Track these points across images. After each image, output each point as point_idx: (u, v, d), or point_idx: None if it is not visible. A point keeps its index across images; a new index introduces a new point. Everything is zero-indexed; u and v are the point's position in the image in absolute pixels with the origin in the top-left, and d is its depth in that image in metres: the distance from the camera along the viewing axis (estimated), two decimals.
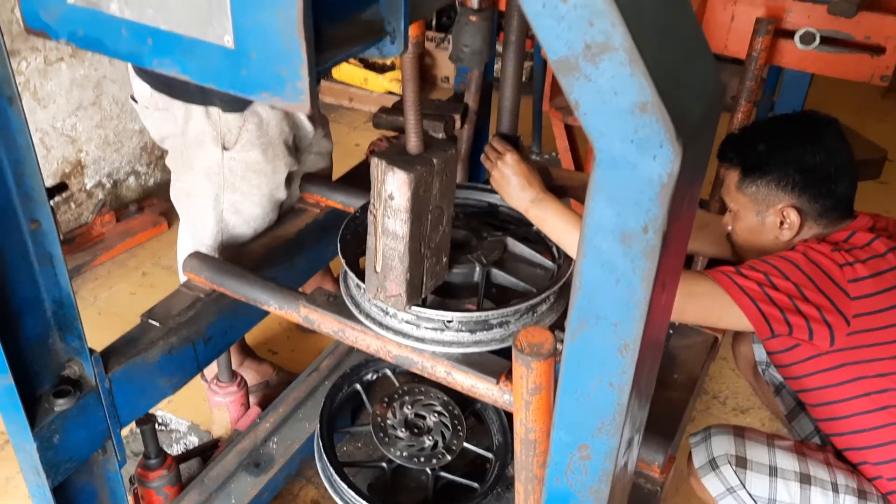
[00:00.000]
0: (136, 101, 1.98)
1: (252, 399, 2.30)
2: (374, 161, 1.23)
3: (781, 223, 1.65)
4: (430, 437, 1.78)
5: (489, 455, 1.84)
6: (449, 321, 1.35)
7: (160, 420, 2.37)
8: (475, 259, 1.50)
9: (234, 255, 1.94)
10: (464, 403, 1.88)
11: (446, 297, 1.45)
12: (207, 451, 2.20)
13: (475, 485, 1.78)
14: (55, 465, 1.37)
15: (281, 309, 1.52)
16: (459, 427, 1.81)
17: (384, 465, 1.81)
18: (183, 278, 1.72)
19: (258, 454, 2.01)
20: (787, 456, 1.69)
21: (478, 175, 2.47)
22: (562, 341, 0.90)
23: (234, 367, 2.19)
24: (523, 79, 1.98)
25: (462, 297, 1.46)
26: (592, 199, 0.77)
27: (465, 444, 1.79)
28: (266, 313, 1.66)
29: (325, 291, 1.49)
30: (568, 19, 0.68)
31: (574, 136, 2.97)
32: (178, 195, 2.06)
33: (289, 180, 2.05)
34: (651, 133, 0.70)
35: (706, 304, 1.53)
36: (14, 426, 1.32)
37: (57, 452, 1.36)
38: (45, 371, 1.36)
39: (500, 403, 1.31)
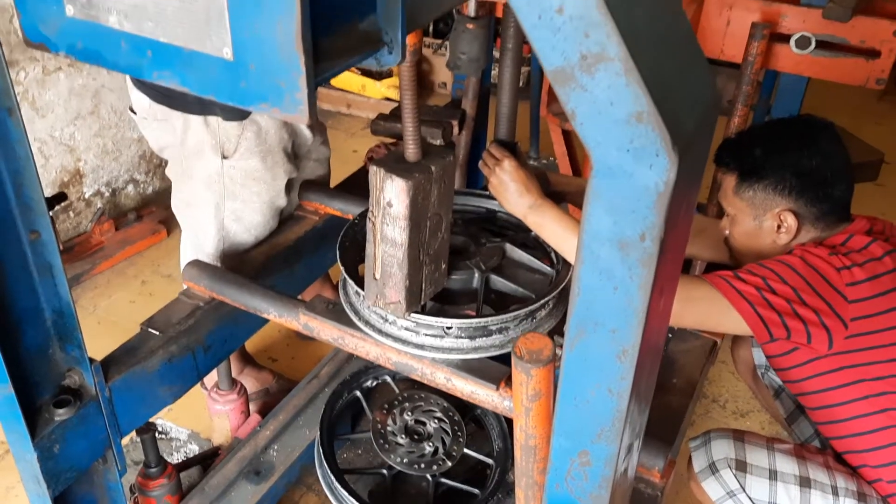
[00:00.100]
0: (134, 113, 1.99)
1: (252, 407, 2.30)
2: (373, 169, 1.23)
3: (779, 227, 1.65)
4: (431, 444, 1.78)
5: (489, 461, 1.84)
6: (448, 328, 1.35)
7: (160, 429, 2.37)
8: (474, 265, 1.50)
9: (234, 263, 1.94)
10: (464, 409, 1.88)
11: (445, 303, 1.46)
12: (208, 460, 2.20)
13: (476, 491, 1.78)
14: (55, 475, 1.37)
15: (280, 317, 1.53)
16: (460, 433, 1.81)
17: (385, 471, 1.82)
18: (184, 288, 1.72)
19: (259, 462, 2.01)
20: (786, 459, 1.69)
21: (476, 181, 2.48)
22: (561, 347, 0.91)
23: (233, 374, 2.19)
24: (520, 84, 1.98)
25: (461, 303, 1.47)
26: (590, 207, 0.78)
27: (466, 450, 1.80)
28: (266, 321, 1.66)
29: (325, 299, 1.50)
30: (564, 31, 0.68)
31: (572, 141, 2.97)
32: (178, 205, 2.06)
33: (288, 187, 2.05)
34: (647, 142, 0.70)
35: (704, 309, 1.53)
36: (14, 436, 1.32)
37: (57, 462, 1.36)
38: (46, 381, 1.36)
39: (500, 409, 1.31)
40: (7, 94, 1.11)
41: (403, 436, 1.79)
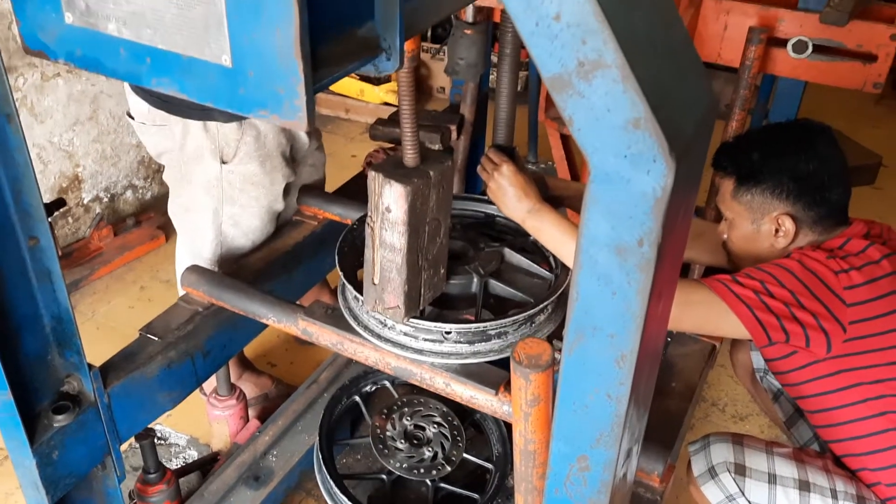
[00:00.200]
0: (132, 118, 1.99)
1: (251, 412, 2.30)
2: (372, 174, 1.24)
3: (776, 231, 1.66)
4: (430, 449, 1.78)
5: (489, 466, 1.84)
6: (447, 332, 1.35)
7: (159, 434, 2.37)
8: (473, 270, 1.50)
9: (233, 268, 1.94)
10: (463, 414, 1.88)
11: (444, 308, 1.46)
12: (207, 465, 2.19)
13: (475, 496, 1.78)
14: (55, 481, 1.37)
15: (279, 322, 1.53)
16: (459, 438, 1.81)
17: (384, 476, 1.81)
18: (182, 293, 1.72)
19: (258, 467, 2.01)
20: (785, 463, 1.69)
21: (474, 186, 2.48)
22: (560, 351, 0.91)
23: (232, 380, 2.19)
24: (519, 89, 1.99)
25: (460, 308, 1.47)
26: (588, 212, 0.78)
27: (465, 455, 1.80)
28: (264, 326, 1.66)
29: (324, 304, 1.50)
30: (561, 38, 0.69)
31: (570, 145, 2.97)
32: (176, 210, 2.06)
33: (285, 192, 2.06)
34: (644, 148, 0.71)
35: (703, 313, 1.53)
36: (13, 442, 1.32)
37: (56, 468, 1.36)
38: (45, 387, 1.36)
39: (499, 414, 1.31)
40: (6, 100, 1.11)
41: (403, 441, 1.79)
